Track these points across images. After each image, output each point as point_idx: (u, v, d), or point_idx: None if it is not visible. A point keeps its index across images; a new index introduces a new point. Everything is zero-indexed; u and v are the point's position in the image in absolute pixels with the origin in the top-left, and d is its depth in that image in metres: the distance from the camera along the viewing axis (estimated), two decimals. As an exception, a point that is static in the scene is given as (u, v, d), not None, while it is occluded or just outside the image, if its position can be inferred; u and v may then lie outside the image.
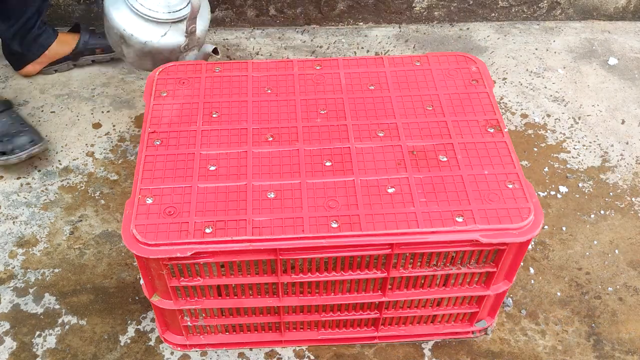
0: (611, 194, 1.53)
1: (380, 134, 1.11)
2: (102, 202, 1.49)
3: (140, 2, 1.35)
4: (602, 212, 1.49)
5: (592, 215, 1.49)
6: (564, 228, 1.46)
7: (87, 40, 1.77)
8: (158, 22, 1.36)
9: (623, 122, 1.70)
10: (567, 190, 1.54)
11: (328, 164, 1.07)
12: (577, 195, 1.53)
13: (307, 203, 1.01)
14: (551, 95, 1.77)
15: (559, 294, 1.35)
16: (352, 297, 1.12)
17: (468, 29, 1.98)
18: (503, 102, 1.75)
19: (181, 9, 1.38)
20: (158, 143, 1.10)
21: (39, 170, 1.55)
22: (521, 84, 1.80)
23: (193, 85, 1.20)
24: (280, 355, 1.25)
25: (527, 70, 1.84)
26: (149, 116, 1.14)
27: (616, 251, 1.42)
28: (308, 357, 1.24)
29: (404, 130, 1.12)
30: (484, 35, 1.95)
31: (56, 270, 1.36)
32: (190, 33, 1.39)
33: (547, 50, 1.90)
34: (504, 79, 1.82)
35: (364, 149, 1.09)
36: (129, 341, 1.26)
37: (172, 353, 1.24)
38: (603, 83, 1.81)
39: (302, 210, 1.00)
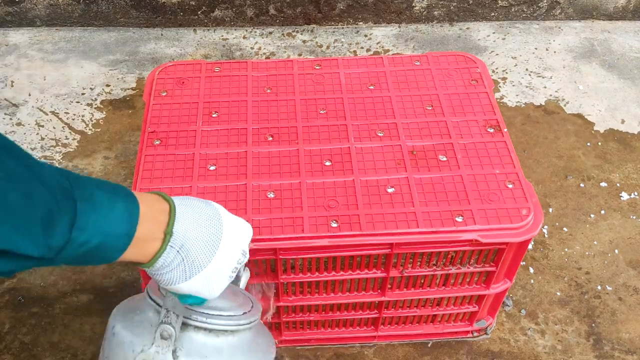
0: (611, 194, 1.53)
1: (380, 134, 1.11)
2: (102, 201, 1.49)
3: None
4: (602, 212, 1.49)
5: (592, 215, 1.49)
6: (564, 228, 1.46)
7: None
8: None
9: (623, 121, 1.70)
10: (567, 190, 1.54)
11: (328, 163, 1.07)
12: (577, 195, 1.53)
13: (306, 203, 1.01)
14: (551, 95, 1.77)
15: (558, 293, 1.35)
16: (352, 296, 1.12)
17: (468, 28, 1.98)
18: (503, 102, 1.75)
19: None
20: (157, 143, 1.09)
21: (39, 170, 1.55)
22: (521, 84, 1.80)
23: (192, 85, 1.20)
24: (279, 355, 1.25)
25: (527, 70, 1.84)
26: (148, 116, 1.14)
27: (616, 251, 1.42)
28: (308, 357, 1.24)
29: (404, 130, 1.12)
30: (484, 35, 1.95)
31: (56, 270, 1.36)
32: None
33: (547, 50, 1.90)
34: (504, 78, 1.82)
35: (363, 148, 1.09)
36: (128, 341, 1.26)
37: (171, 353, 1.24)
38: (603, 83, 1.81)
39: (302, 210, 0.99)
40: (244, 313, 0.83)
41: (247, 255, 0.78)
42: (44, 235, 0.54)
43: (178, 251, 0.68)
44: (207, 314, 0.78)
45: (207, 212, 0.73)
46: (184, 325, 0.77)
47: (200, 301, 0.76)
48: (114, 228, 0.61)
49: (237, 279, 0.87)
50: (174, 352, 0.75)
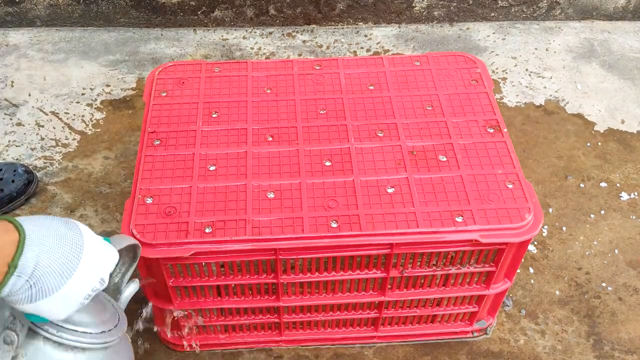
0: (611, 194, 1.53)
1: (380, 134, 1.11)
2: (102, 201, 1.49)
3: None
4: (602, 212, 1.49)
5: (592, 215, 1.49)
6: (564, 228, 1.46)
7: None
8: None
9: (623, 122, 1.70)
10: (567, 190, 1.54)
11: (328, 164, 1.07)
12: (577, 195, 1.53)
13: (306, 203, 1.01)
14: (551, 95, 1.77)
15: (558, 293, 1.35)
16: (352, 296, 1.12)
17: (468, 28, 1.98)
18: (503, 102, 1.75)
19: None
20: (157, 143, 1.09)
21: (39, 170, 1.55)
22: (521, 84, 1.80)
23: (193, 85, 1.20)
24: (280, 355, 1.25)
25: (526, 70, 1.84)
26: (148, 116, 1.14)
27: (616, 251, 1.42)
28: (308, 357, 1.24)
29: (404, 130, 1.12)
30: (484, 35, 1.95)
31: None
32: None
33: (547, 50, 1.90)
34: (504, 78, 1.82)
35: (363, 149, 1.09)
36: (128, 341, 1.26)
37: (171, 353, 1.24)
38: (603, 83, 1.81)
39: (302, 210, 1.00)
40: (102, 332, 0.80)
41: (106, 283, 0.74)
42: None
43: (27, 279, 0.67)
44: (59, 326, 0.76)
45: (68, 237, 0.71)
46: (35, 333, 0.75)
47: (45, 320, 0.73)
48: None
49: (117, 293, 0.85)
50: (14, 357, 0.73)
